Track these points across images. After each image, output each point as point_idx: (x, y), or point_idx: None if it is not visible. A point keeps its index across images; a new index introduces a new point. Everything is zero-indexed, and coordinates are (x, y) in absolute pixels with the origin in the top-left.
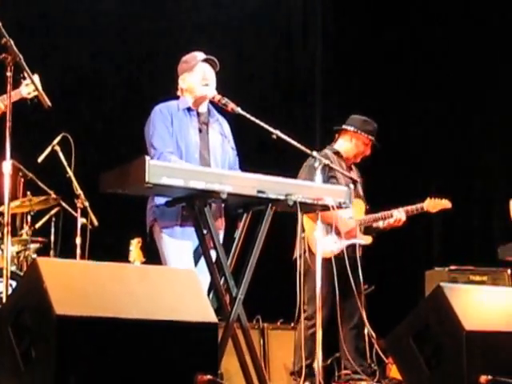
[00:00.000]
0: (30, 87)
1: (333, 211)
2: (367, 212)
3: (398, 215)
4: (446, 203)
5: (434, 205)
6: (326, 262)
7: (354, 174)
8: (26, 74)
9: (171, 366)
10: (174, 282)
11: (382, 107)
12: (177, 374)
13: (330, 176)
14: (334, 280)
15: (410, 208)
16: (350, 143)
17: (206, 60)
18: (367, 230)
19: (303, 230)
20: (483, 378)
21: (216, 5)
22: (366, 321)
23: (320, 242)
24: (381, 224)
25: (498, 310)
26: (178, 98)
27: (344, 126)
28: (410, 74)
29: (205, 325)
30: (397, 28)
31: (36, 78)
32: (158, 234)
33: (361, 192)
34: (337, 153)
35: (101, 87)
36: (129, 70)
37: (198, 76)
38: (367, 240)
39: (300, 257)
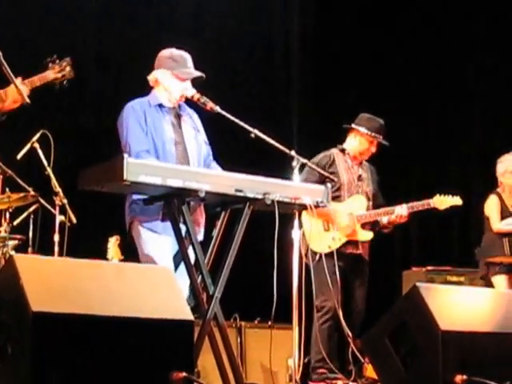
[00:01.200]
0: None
1: (330, 207)
2: (369, 209)
3: (399, 211)
4: (456, 200)
5: (443, 201)
6: (325, 257)
7: (363, 172)
8: (4, 70)
9: (147, 364)
10: (150, 280)
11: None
12: (152, 371)
13: (330, 172)
14: (331, 275)
15: (415, 204)
16: (354, 141)
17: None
18: (373, 226)
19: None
20: (458, 378)
21: (196, 15)
22: (342, 320)
23: (297, 240)
24: (384, 220)
25: (473, 311)
26: (149, 88)
27: (352, 125)
28: (388, 76)
29: (180, 322)
30: (376, 34)
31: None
32: (138, 229)
33: (367, 189)
34: (343, 150)
35: (80, 84)
36: (109, 68)
37: (181, 87)
38: (367, 236)
39: (303, 253)
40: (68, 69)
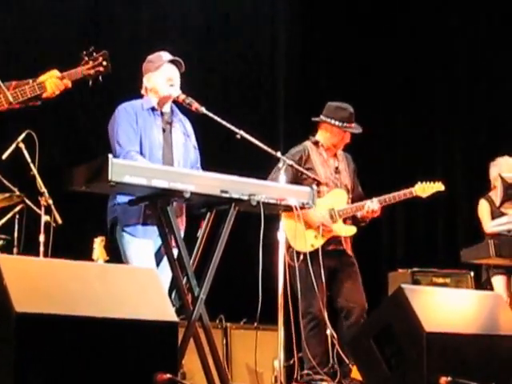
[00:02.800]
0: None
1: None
2: (349, 202)
3: (370, 206)
4: (438, 186)
5: (425, 189)
6: (308, 256)
7: (341, 163)
8: None
9: (131, 365)
10: (134, 281)
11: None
12: (136, 372)
13: (306, 168)
14: (315, 275)
15: (396, 194)
16: (326, 133)
17: (171, 61)
18: (355, 221)
19: None
20: (443, 380)
21: (183, 15)
22: (327, 321)
23: (283, 242)
24: (358, 215)
25: (458, 312)
26: (141, 96)
27: (320, 117)
28: (374, 78)
29: (165, 324)
30: (363, 38)
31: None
32: (119, 232)
33: (346, 181)
34: (316, 143)
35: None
36: None
37: (163, 76)
38: (350, 231)
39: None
40: (104, 63)
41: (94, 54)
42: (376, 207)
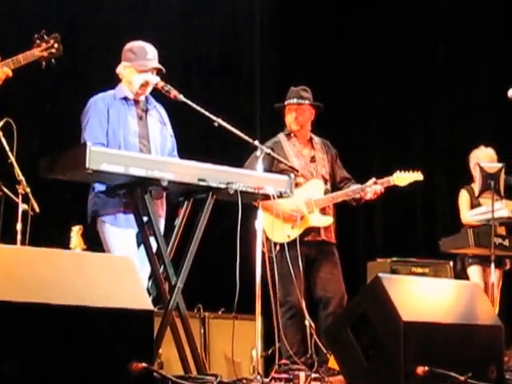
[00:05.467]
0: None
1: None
2: (327, 192)
3: (377, 189)
4: (417, 176)
5: (403, 178)
6: (283, 247)
7: (317, 152)
8: None
9: (106, 354)
10: (110, 269)
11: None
12: (112, 361)
13: (281, 161)
14: (293, 264)
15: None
16: (285, 119)
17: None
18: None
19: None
20: (420, 369)
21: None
22: (305, 311)
23: (260, 232)
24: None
25: (435, 302)
26: (115, 85)
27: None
28: (354, 62)
29: (140, 312)
30: (342, 22)
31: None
32: (100, 223)
33: (322, 170)
34: (288, 134)
35: (45, 72)
36: (74, 56)
37: (141, 79)
38: (326, 222)
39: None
40: (56, 46)
41: (45, 36)
42: (379, 188)
